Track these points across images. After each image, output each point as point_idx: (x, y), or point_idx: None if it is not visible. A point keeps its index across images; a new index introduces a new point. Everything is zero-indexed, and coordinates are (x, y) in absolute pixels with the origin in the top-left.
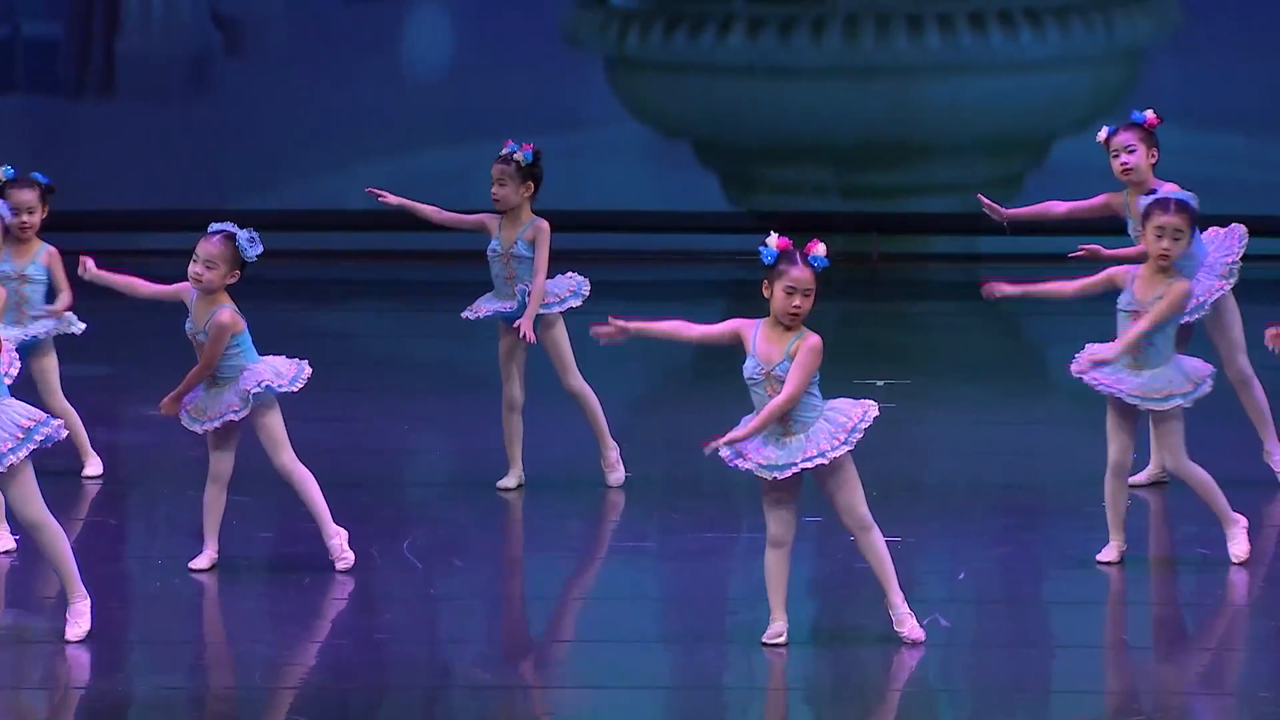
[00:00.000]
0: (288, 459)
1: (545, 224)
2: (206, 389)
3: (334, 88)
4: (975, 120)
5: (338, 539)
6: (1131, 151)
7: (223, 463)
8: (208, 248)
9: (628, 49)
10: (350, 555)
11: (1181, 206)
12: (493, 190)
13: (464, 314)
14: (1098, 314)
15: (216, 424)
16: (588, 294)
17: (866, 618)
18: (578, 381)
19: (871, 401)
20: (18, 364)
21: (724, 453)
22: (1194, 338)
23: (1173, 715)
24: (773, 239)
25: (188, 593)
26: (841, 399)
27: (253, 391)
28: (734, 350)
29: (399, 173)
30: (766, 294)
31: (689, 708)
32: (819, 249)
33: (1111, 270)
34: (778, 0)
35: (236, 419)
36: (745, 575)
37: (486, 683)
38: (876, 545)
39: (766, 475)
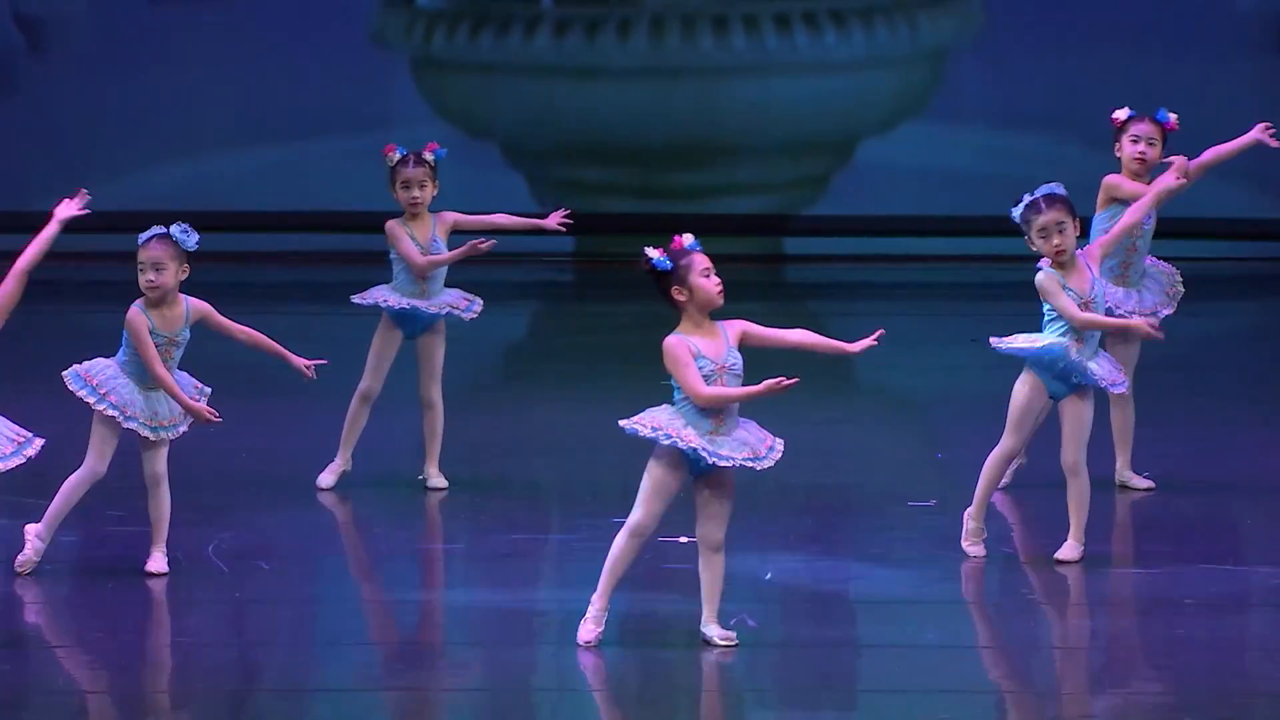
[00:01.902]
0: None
1: (452, 215)
2: (147, 391)
3: (138, 88)
4: (781, 121)
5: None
6: (1153, 144)
7: (159, 463)
8: (152, 254)
9: (434, 49)
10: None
11: (1052, 199)
12: (414, 194)
13: (362, 300)
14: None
15: (174, 433)
16: (479, 311)
17: (675, 617)
18: (437, 393)
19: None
20: None
21: (645, 432)
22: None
23: (979, 714)
24: (652, 251)
25: None
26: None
27: (198, 400)
28: (546, 352)
29: (205, 173)
30: (682, 297)
31: (497, 710)
32: (687, 238)
33: (1051, 275)
34: (584, 1)
35: (185, 429)
36: (554, 577)
37: (294, 686)
38: (721, 567)
39: (709, 459)
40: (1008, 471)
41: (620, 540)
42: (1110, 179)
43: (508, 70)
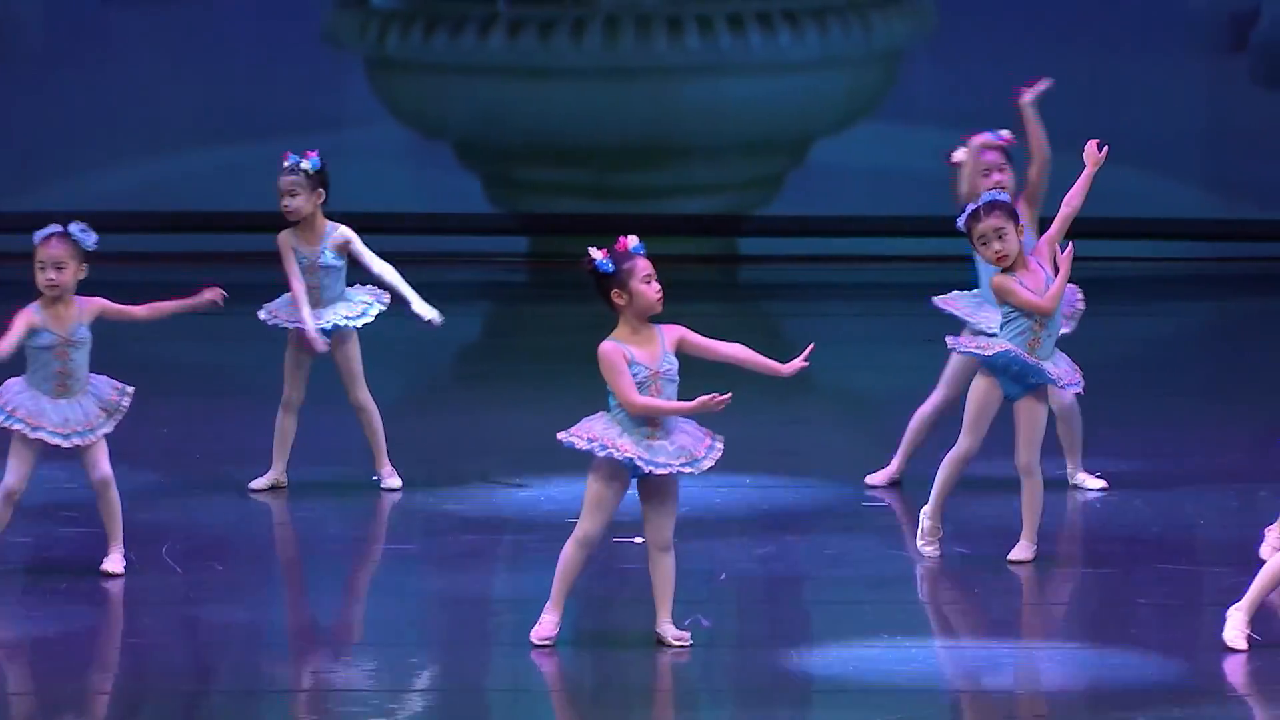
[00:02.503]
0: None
1: (349, 231)
2: (55, 399)
3: (91, 89)
4: (735, 121)
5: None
6: (1003, 169)
7: (100, 467)
8: (52, 252)
9: (388, 49)
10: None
11: (992, 206)
12: (284, 203)
13: (265, 318)
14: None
15: (92, 437)
16: (386, 305)
17: (630, 619)
18: (365, 395)
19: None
20: None
21: (582, 444)
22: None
23: (933, 713)
24: (596, 253)
25: None
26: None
27: (121, 401)
28: (499, 353)
29: (159, 174)
30: (621, 300)
31: (452, 710)
32: (632, 240)
33: (1006, 278)
34: (538, 1)
35: (107, 431)
36: (509, 578)
37: (247, 687)
38: (670, 567)
39: (645, 468)
40: (877, 475)
41: (568, 550)
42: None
43: (462, 70)
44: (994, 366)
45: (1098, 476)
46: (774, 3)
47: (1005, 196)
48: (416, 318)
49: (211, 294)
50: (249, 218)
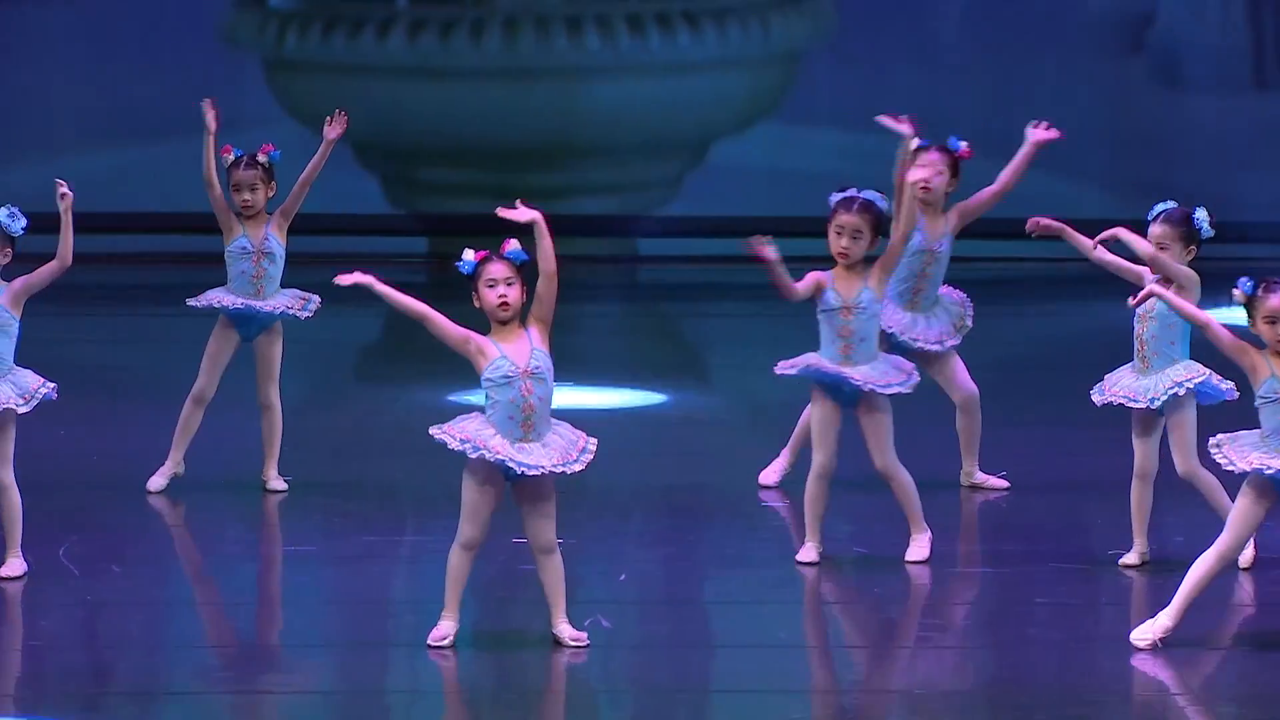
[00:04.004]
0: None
1: (280, 214)
2: None
3: None
4: (635, 121)
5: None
6: (940, 174)
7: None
8: None
9: (286, 50)
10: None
11: (866, 206)
12: (244, 197)
13: (198, 303)
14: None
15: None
16: (316, 309)
17: (529, 619)
18: (275, 395)
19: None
20: None
21: (455, 444)
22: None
23: (832, 714)
24: (468, 253)
25: None
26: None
27: (40, 390)
28: (399, 354)
29: (54, 174)
30: (477, 304)
31: (350, 712)
32: (513, 245)
33: (816, 275)
34: (437, 2)
35: (19, 412)
36: (408, 578)
37: (145, 689)
38: (558, 567)
39: (516, 470)
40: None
41: (453, 556)
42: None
43: (361, 71)
44: (815, 384)
45: (1000, 476)
46: (673, 3)
47: (880, 200)
48: (335, 135)
49: (61, 195)
50: (149, 219)
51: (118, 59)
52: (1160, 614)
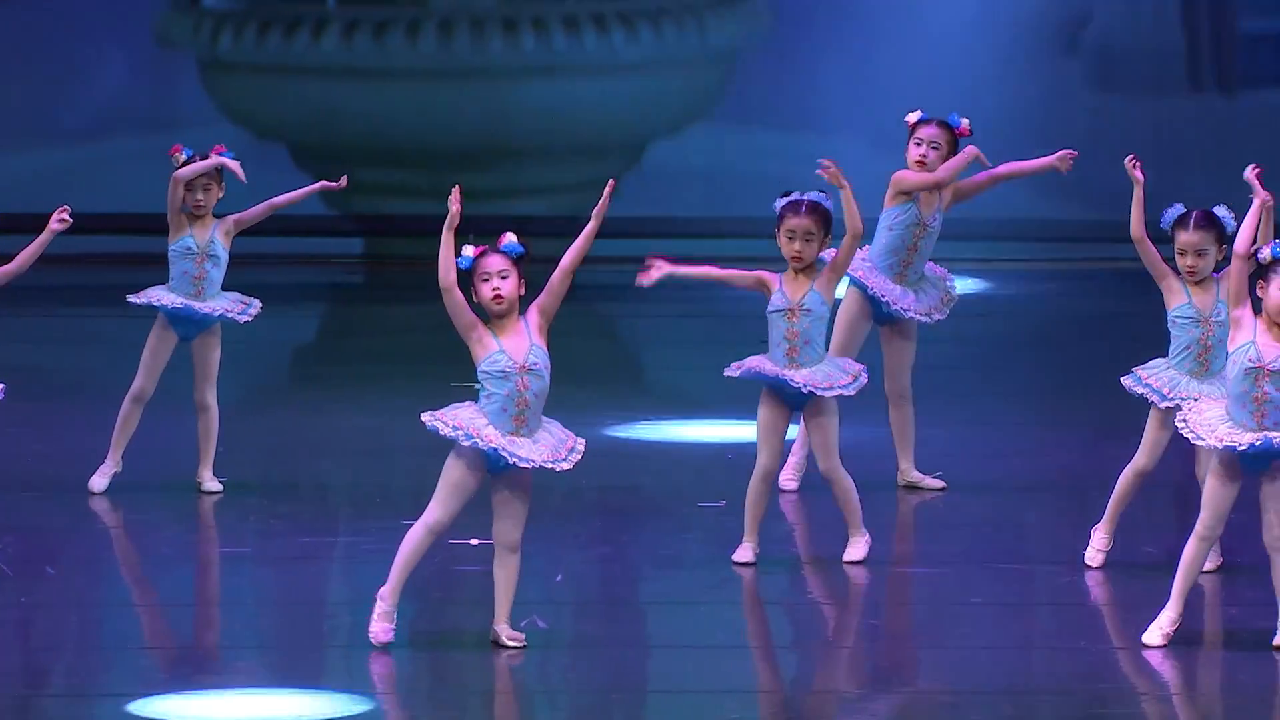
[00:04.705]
0: None
1: (229, 217)
2: None
3: None
4: (570, 122)
5: None
6: (936, 148)
7: None
8: None
9: (221, 51)
10: None
11: (813, 207)
12: (197, 197)
13: (137, 299)
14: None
15: None
16: (255, 314)
17: (466, 620)
18: (211, 397)
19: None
20: None
21: (446, 430)
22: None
23: (768, 713)
24: (467, 249)
25: None
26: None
27: None
28: (335, 355)
29: None
30: (475, 298)
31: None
32: (510, 238)
33: (763, 274)
34: (372, 2)
35: None
36: (344, 579)
37: (82, 691)
38: (515, 569)
39: (509, 459)
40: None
41: (415, 534)
42: (897, 174)
43: (295, 72)
44: (762, 385)
45: (936, 476)
46: (609, 4)
47: (825, 199)
48: (329, 189)
49: (58, 219)
50: (83, 220)
51: (53, 59)
52: (1162, 612)
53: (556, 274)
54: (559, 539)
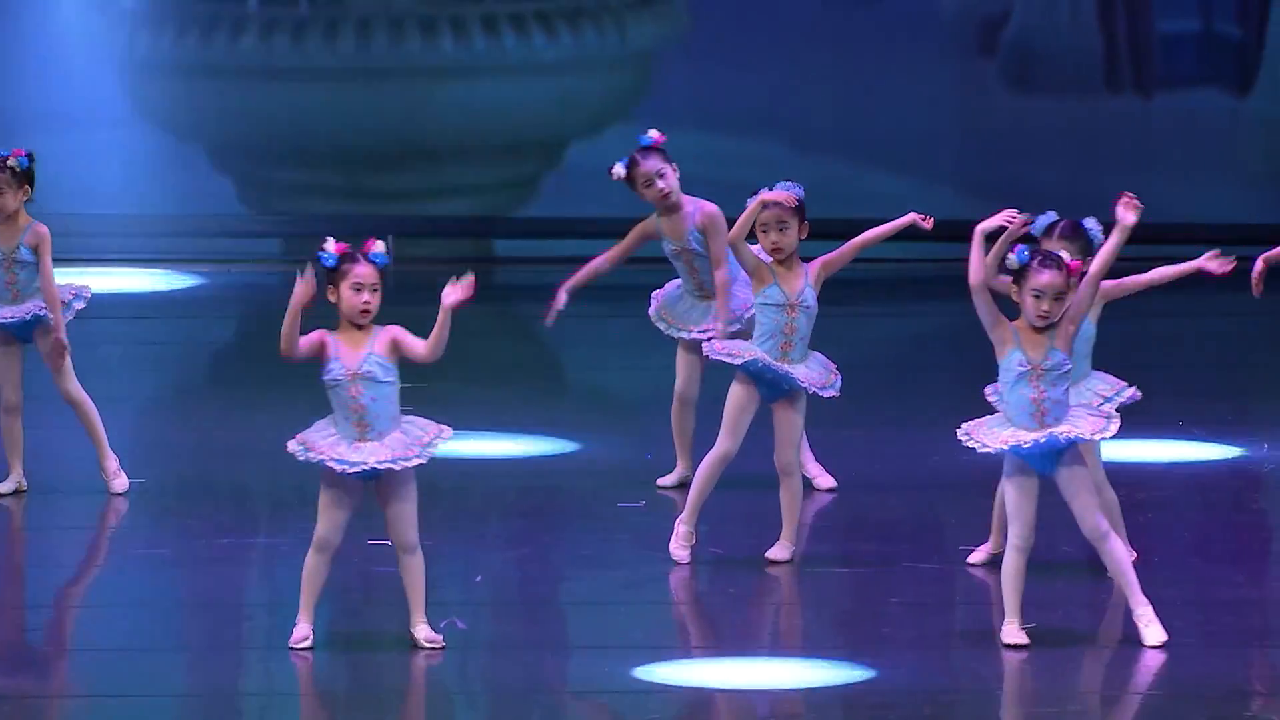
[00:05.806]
0: None
1: (46, 229)
2: None
3: None
4: (490, 122)
5: None
6: (662, 176)
7: None
8: None
9: (139, 51)
10: None
11: (776, 199)
12: None
13: None
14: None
15: None
16: (88, 298)
17: (384, 621)
18: (75, 388)
19: (448, 426)
20: None
21: (292, 447)
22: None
23: (686, 714)
24: (330, 244)
25: None
26: (418, 416)
27: None
28: (251, 356)
29: None
30: (333, 299)
31: (205, 714)
32: (377, 246)
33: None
34: (290, 3)
35: None
36: (263, 581)
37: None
38: (419, 568)
39: (337, 468)
40: (668, 477)
41: (310, 558)
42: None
43: (214, 72)
44: (748, 371)
45: (828, 475)
46: (527, 5)
47: (796, 187)
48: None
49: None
50: None
51: None
52: (1004, 625)
53: (420, 348)
54: (478, 540)
